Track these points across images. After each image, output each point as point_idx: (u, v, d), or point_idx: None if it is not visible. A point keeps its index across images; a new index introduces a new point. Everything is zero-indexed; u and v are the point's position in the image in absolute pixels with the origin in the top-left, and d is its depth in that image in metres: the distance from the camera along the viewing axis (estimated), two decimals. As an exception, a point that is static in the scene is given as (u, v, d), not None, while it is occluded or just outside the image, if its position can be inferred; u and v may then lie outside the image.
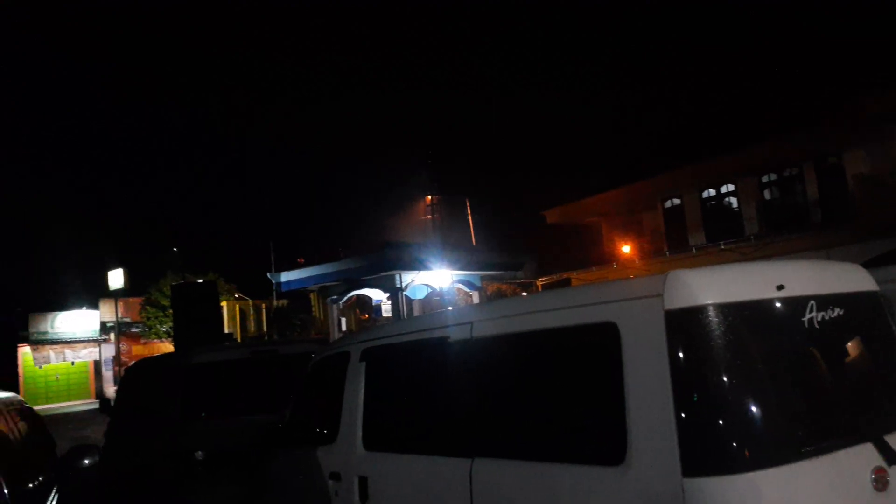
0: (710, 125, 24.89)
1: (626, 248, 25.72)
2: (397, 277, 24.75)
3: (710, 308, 2.65)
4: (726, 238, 21.73)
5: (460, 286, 27.44)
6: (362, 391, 4.48)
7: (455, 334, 3.77)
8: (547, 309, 3.26)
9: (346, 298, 28.47)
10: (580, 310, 3.05)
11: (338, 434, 4.57)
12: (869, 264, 9.93)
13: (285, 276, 29.47)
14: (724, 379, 2.57)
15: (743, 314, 2.71)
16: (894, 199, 16.98)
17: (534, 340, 3.29)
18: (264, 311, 36.19)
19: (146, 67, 78.87)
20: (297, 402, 5.42)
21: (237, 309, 36.22)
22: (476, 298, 27.38)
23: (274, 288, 30.93)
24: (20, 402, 5.03)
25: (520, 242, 31.72)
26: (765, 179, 22.29)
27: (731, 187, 23.19)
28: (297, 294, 32.45)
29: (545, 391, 3.24)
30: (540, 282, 28.56)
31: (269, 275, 30.58)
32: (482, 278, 27.75)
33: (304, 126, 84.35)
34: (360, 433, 4.37)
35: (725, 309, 2.67)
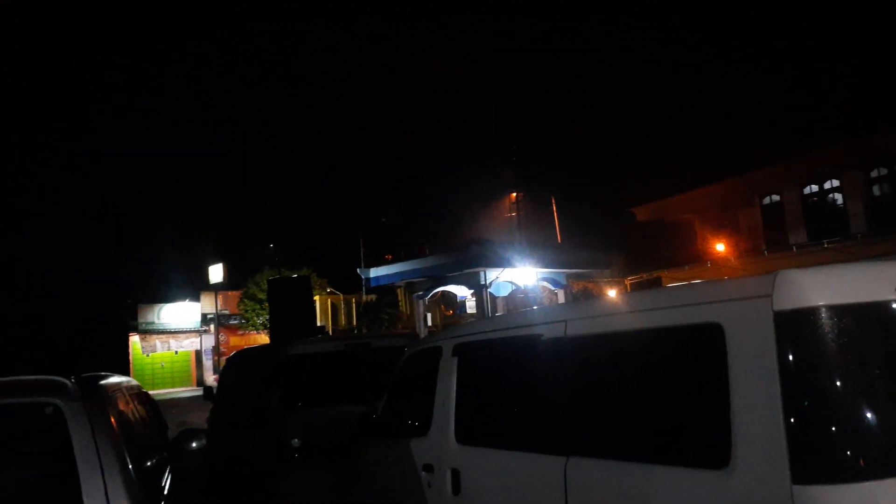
0: (813, 116, 23.58)
1: (720, 247, 24.75)
2: (482, 274, 24.83)
3: (822, 310, 2.54)
4: (830, 237, 20.56)
5: (545, 284, 27.21)
6: (454, 386, 4.55)
7: (548, 332, 3.76)
8: (647, 308, 3.20)
9: (431, 294, 28.83)
10: (683, 310, 2.97)
11: (430, 427, 4.66)
12: None
13: (374, 272, 30.22)
14: (838, 384, 2.46)
15: (857, 317, 2.58)
16: None
17: (632, 340, 3.24)
18: (354, 305, 37.16)
19: (234, 66, 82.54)
20: (390, 394, 5.57)
21: (329, 303, 37.36)
22: (561, 296, 27.09)
23: (363, 283, 31.75)
24: (139, 387, 5.42)
25: (608, 240, 31.10)
26: (874, 174, 20.92)
27: (836, 183, 21.91)
28: (385, 289, 33.15)
29: (644, 391, 3.18)
30: (629, 280, 27.92)
31: (358, 270, 31.42)
32: (568, 276, 27.40)
33: (393, 124, 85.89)
34: (452, 427, 4.44)
35: (838, 311, 2.55)
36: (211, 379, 36.95)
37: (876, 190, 21.12)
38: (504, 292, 26.39)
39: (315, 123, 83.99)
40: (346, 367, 7.60)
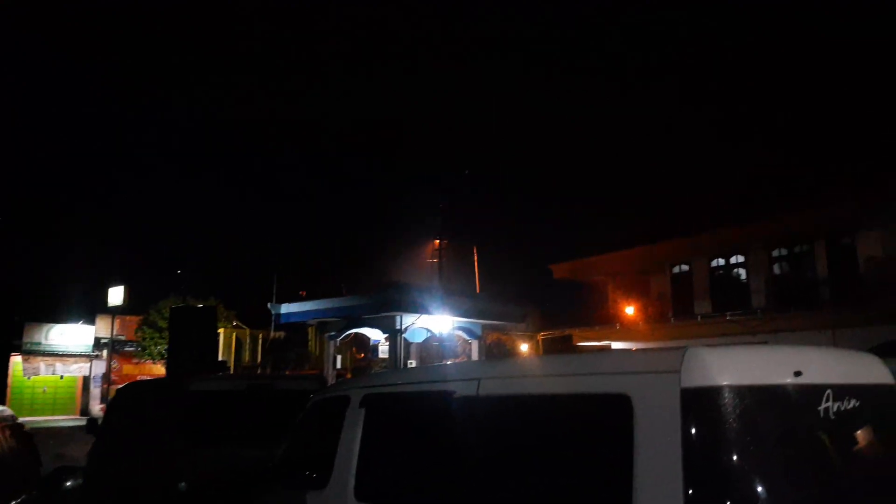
0: (724, 196, 25.08)
1: (630, 310, 25.61)
2: (398, 319, 24.63)
3: (727, 389, 2.61)
4: (732, 309, 21.62)
5: (460, 333, 27.26)
6: (359, 438, 4.39)
7: (461, 389, 3.70)
8: (560, 374, 3.23)
9: (344, 335, 28.31)
10: (594, 378, 3.01)
11: (330, 480, 4.46)
12: (876, 351, 9.80)
13: (285, 308, 29.36)
14: (736, 462, 2.53)
15: (759, 398, 2.67)
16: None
17: (543, 404, 3.24)
18: (261, 341, 35.97)
19: (157, 78, 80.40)
20: (290, 441, 5.33)
21: (234, 337, 36.03)
22: (475, 347, 27.19)
23: (273, 319, 30.82)
24: (12, 418, 4.96)
25: (525, 294, 31.67)
26: (775, 254, 22.29)
27: (741, 258, 23.19)
28: (296, 327, 32.32)
29: (552, 456, 3.18)
30: (541, 336, 28.38)
31: (269, 305, 30.47)
32: (483, 327, 27.59)
33: (320, 160, 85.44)
34: (352, 482, 4.26)
35: (742, 391, 2.63)
36: (97, 408, 34.61)
37: (777, 268, 22.47)
38: (419, 339, 26.25)
39: (238, 152, 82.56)
40: (246, 408, 7.27)
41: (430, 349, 27.90)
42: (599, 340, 25.93)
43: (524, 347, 31.13)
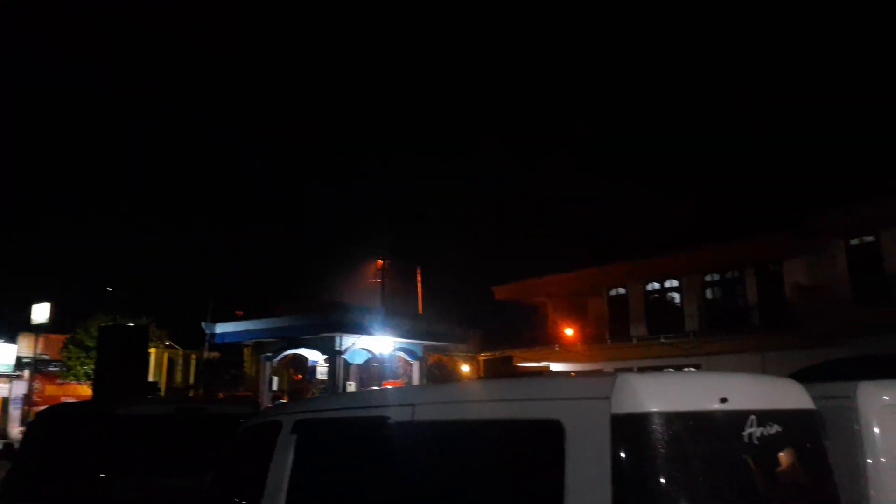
0: (660, 223, 25.87)
1: (569, 331, 25.99)
2: (337, 339, 24.28)
3: (656, 416, 2.66)
4: (667, 331, 22.19)
5: (401, 354, 27.09)
6: (290, 465, 4.28)
7: (395, 415, 3.67)
8: (493, 399, 3.24)
9: (281, 356, 27.71)
10: (527, 404, 3.04)
11: (259, 509, 4.32)
12: (800, 374, 10.19)
13: (220, 328, 28.55)
14: (665, 486, 2.59)
15: (686, 424, 2.73)
16: (830, 311, 17.69)
17: (478, 430, 3.26)
18: (194, 361, 34.83)
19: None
20: (220, 468, 5.15)
21: (165, 357, 34.77)
22: (416, 368, 27.05)
23: (207, 339, 29.90)
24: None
25: (467, 315, 31.77)
26: (708, 279, 23.04)
27: (675, 283, 23.87)
28: (231, 347, 31.45)
29: (484, 483, 3.19)
30: (482, 356, 28.49)
31: (203, 324, 29.53)
32: (425, 348, 27.50)
33: (257, 178, 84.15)
34: (283, 510, 4.14)
35: (670, 418, 2.68)
36: (16, 430, 32.77)
37: (709, 293, 23.20)
38: (359, 360, 25.94)
39: (173, 166, 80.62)
40: (175, 433, 7.00)
41: (371, 371, 27.59)
42: (539, 361, 26.19)
43: (465, 368, 31.17)
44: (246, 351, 32.21)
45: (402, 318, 25.97)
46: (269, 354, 27.25)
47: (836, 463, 4.04)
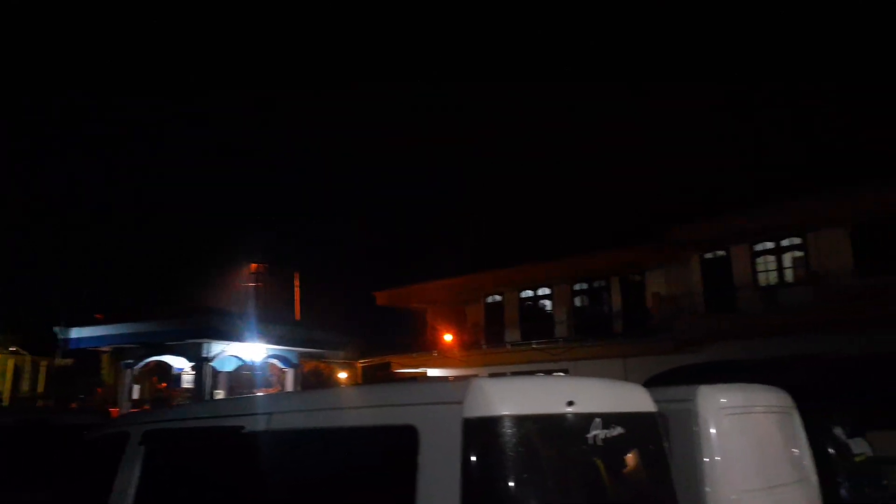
0: (535, 233, 26.85)
1: (448, 337, 26.34)
2: (205, 346, 23.13)
3: (506, 419, 2.74)
4: (539, 337, 22.99)
5: (274, 362, 26.26)
6: (137, 478, 4.02)
7: (251, 425, 3.55)
8: (351, 406, 3.23)
9: (143, 364, 26.03)
10: (382, 410, 3.05)
11: (101, 526, 4.03)
12: (655, 378, 10.87)
13: (76, 332, 26.35)
14: (512, 487, 2.67)
15: (535, 427, 2.83)
16: (685, 319, 19.05)
17: (335, 438, 3.23)
18: (44, 369, 32.00)
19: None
20: (61, 484, 4.78)
21: (11, 364, 31.72)
22: (290, 376, 26.33)
23: (60, 344, 27.48)
24: None
25: (348, 321, 31.40)
26: (577, 287, 24.12)
27: (548, 291, 24.80)
28: (88, 353, 29.16)
29: (341, 491, 3.16)
30: (360, 363, 28.23)
31: (56, 329, 27.10)
32: (300, 355, 26.84)
33: (132, 171, 79.07)
34: (127, 528, 3.88)
35: (519, 421, 2.77)
36: None
37: (578, 301, 24.30)
38: (229, 367, 24.89)
39: (31, 157, 74.05)
40: (15, 446, 6.46)
41: (241, 379, 26.55)
42: (417, 367, 26.33)
43: (343, 376, 30.79)
44: (104, 357, 30.02)
45: (276, 324, 25.19)
46: (129, 361, 25.49)
47: (679, 462, 4.35)
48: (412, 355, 26.02)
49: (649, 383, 9.78)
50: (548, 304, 24.98)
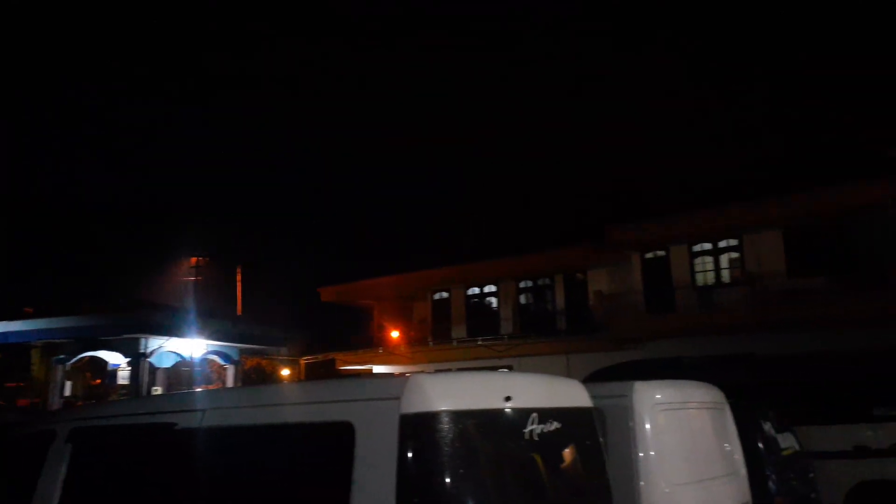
0: (482, 231, 27.03)
1: (395, 334, 26.25)
2: (142, 341, 22.45)
3: (443, 415, 2.73)
4: (485, 334, 23.16)
5: (214, 358, 25.69)
6: (62, 478, 3.87)
7: (183, 421, 3.46)
8: (286, 403, 3.18)
9: (76, 359, 25.08)
10: (318, 407, 3.01)
11: (23, 528, 3.86)
12: (596, 374, 11.08)
13: (3, 327, 25.22)
14: (449, 483, 2.66)
15: (472, 422, 2.84)
16: (625, 317, 19.48)
17: (270, 434, 3.17)
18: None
19: None
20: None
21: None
22: (231, 372, 25.83)
23: (-15, 339, 26.23)
24: None
25: (293, 317, 30.92)
26: (522, 285, 24.38)
27: (494, 288, 24.99)
28: (16, 349, 27.89)
29: (276, 488, 3.10)
30: (304, 360, 27.88)
31: (-20, 323, 25.85)
32: (242, 351, 26.33)
33: (56, 156, 75.96)
34: (50, 529, 3.72)
35: (457, 416, 2.77)
36: None
37: (523, 299, 24.57)
38: (167, 363, 24.23)
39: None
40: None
41: (180, 375, 25.87)
42: (363, 364, 26.17)
43: (286, 373, 30.35)
44: (34, 352, 28.74)
45: (216, 319, 24.65)
46: (62, 357, 24.55)
47: (614, 456, 4.43)
48: (357, 352, 25.84)
49: (590, 379, 9.99)
50: (494, 301, 25.17)
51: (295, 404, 3.12)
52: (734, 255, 18.79)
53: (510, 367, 20.91)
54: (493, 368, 19.84)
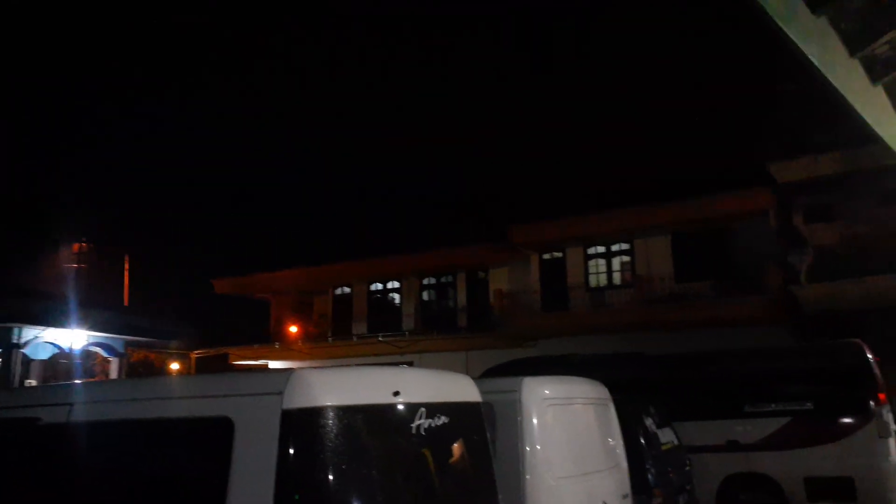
0: (388, 226, 26.95)
1: (293, 329, 25.69)
2: (15, 331, 20.78)
3: (328, 410, 2.68)
4: (386, 330, 23.10)
5: (97, 350, 24.19)
6: None
7: (48, 416, 3.22)
8: (159, 398, 3.03)
9: (-61, 350, 22.97)
10: (194, 402, 2.89)
11: None
12: (492, 371, 11.24)
13: None
14: (330, 481, 2.61)
15: (358, 417, 2.80)
16: (523, 315, 19.99)
17: (141, 431, 3.01)
18: None
19: None
20: None
21: None
22: (115, 365, 24.41)
23: None
24: None
25: (184, 309, 29.60)
26: (425, 282, 24.50)
27: (397, 284, 24.98)
28: None
29: (146, 488, 2.95)
30: (195, 354, 26.79)
31: None
32: (128, 344, 24.93)
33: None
34: None
35: (342, 411, 2.72)
36: None
37: (426, 295, 24.68)
38: (43, 355, 22.57)
39: None
40: None
41: (58, 368, 24.19)
42: (258, 359, 25.43)
43: (175, 367, 29.05)
44: None
45: (99, 309, 23.21)
46: (-81, 348, 22.37)
47: (503, 450, 4.52)
48: (253, 347, 25.11)
49: (485, 375, 10.17)
50: (396, 297, 25.16)
51: (170, 399, 2.98)
52: (626, 258, 19.67)
53: (411, 363, 20.97)
54: (396, 364, 19.85)
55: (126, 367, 24.61)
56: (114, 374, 24.35)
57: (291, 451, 2.56)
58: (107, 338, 23.43)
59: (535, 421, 4.77)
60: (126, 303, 29.26)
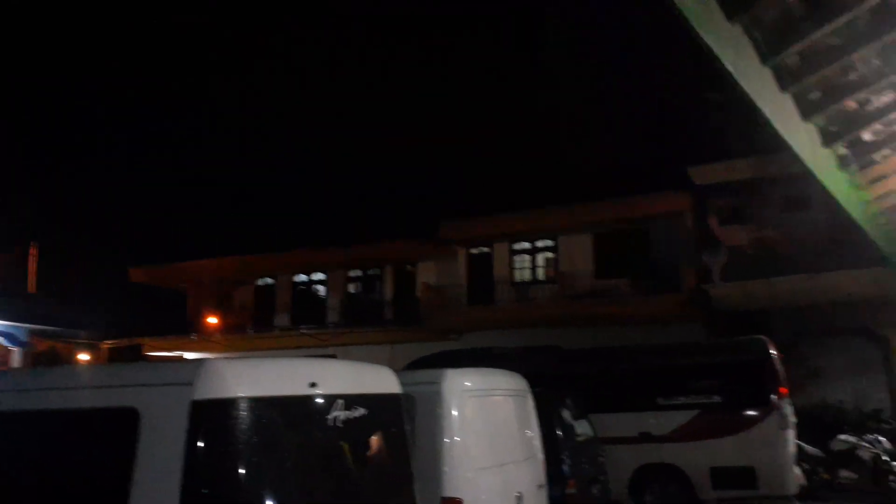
0: (313, 217, 26.47)
1: (213, 320, 24.90)
2: None
3: (240, 401, 2.61)
4: (310, 323, 22.75)
5: (-1, 339, 22.82)
6: None
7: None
8: (61, 387, 2.87)
9: None
10: (100, 392, 2.75)
11: None
12: (416, 363, 11.24)
13: None
14: (240, 474, 2.55)
15: (273, 409, 2.74)
16: (450, 309, 20.11)
17: (40, 422, 2.86)
18: None
19: None
20: None
21: None
22: (17, 355, 23.06)
23: None
24: None
25: (96, 298, 28.15)
26: (351, 274, 24.25)
27: (322, 276, 24.61)
28: None
29: (44, 481, 2.81)
30: (106, 345, 25.61)
31: None
32: (32, 333, 23.58)
33: None
34: None
35: (255, 403, 2.65)
36: None
37: (351, 288, 24.43)
38: (-63, 345, 21.12)
39: None
40: None
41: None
42: (174, 351, 24.54)
43: (84, 358, 27.67)
44: None
45: (0, 296, 21.89)
46: None
47: (423, 442, 4.52)
48: (168, 338, 24.22)
49: (409, 368, 10.16)
50: (322, 289, 24.81)
51: (72, 389, 2.83)
52: (550, 254, 20.10)
53: (334, 356, 20.73)
54: (319, 357, 19.58)
55: (30, 358, 23.27)
56: (16, 365, 22.99)
57: (201, 443, 2.47)
58: (9, 326, 22.13)
59: (455, 413, 4.79)
60: (32, 290, 27.66)
